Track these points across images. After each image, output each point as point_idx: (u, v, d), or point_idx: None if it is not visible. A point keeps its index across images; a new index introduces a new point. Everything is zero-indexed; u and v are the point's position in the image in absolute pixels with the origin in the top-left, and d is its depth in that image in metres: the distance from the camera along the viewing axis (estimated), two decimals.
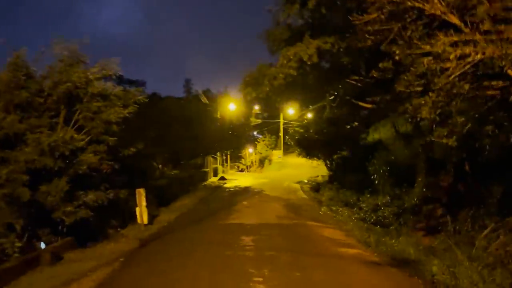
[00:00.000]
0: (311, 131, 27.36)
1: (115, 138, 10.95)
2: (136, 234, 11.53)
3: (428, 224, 12.45)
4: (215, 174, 43.44)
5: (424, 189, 13.96)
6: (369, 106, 14.23)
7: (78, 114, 10.34)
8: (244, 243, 9.48)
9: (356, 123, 24.74)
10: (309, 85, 15.21)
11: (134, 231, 12.10)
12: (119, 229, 13.06)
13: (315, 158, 29.07)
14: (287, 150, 60.38)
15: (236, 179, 38.15)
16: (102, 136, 10.62)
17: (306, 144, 27.56)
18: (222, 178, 37.52)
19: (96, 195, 10.64)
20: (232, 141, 34.90)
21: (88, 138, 10.55)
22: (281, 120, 61.22)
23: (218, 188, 28.73)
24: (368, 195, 17.84)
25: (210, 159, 41.82)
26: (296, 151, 30.47)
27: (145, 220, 12.87)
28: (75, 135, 9.82)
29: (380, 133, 28.86)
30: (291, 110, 61.98)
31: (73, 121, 10.34)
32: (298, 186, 28.90)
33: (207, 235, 11.02)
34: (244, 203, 18.74)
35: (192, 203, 19.41)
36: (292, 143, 30.63)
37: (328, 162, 28.15)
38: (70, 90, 9.88)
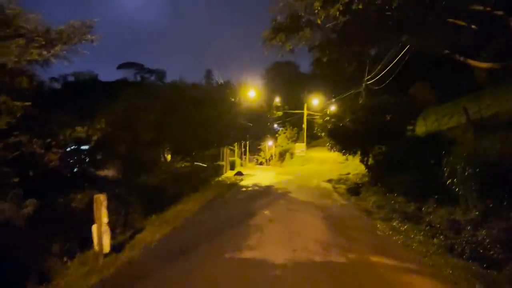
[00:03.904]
0: (347, 120, 22.10)
1: (28, 103, 5.86)
2: (77, 280, 6.50)
3: None
4: (232, 168, 38.81)
5: None
6: (483, 65, 8.78)
7: None
8: None
9: (393, 113, 20.08)
10: (379, 31, 9.51)
11: (82, 270, 7.11)
12: (66, 260, 8.07)
13: (351, 153, 23.93)
14: (308, 143, 56.08)
15: (254, 175, 33.20)
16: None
17: (341, 135, 22.41)
18: (239, 173, 32.58)
19: None
20: (251, 131, 30.04)
21: None
22: (305, 111, 56.31)
23: (233, 186, 23.62)
24: (435, 205, 12.94)
25: (226, 150, 37.11)
26: (328, 144, 25.16)
27: (106, 247, 7.89)
28: None
29: (438, 122, 23.70)
30: (315, 100, 56.97)
31: None
32: (329, 186, 23.66)
33: None
34: (265, 212, 13.56)
35: (195, 209, 14.36)
36: (322, 134, 25.29)
37: (365, 158, 23.10)
38: None
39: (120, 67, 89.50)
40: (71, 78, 57.24)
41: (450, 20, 8.31)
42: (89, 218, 8.74)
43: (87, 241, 8.57)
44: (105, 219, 7.84)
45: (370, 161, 22.65)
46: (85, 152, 14.18)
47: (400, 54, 17.36)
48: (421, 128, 23.58)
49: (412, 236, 10.59)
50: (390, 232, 11.13)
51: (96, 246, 7.83)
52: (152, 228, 10.91)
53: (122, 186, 12.48)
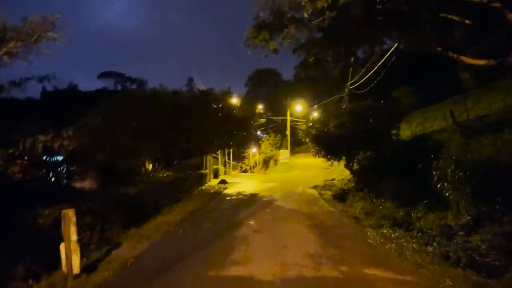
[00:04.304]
0: (332, 125, 21.71)
1: None
2: None
3: None
4: (216, 176, 38.04)
5: None
6: (477, 62, 8.37)
7: None
8: None
9: (377, 117, 19.82)
10: (367, 28, 8.97)
11: None
12: (31, 283, 7.29)
13: (336, 159, 23.46)
14: (292, 150, 55.87)
15: (239, 183, 32.55)
16: None
17: (325, 141, 21.95)
18: (223, 182, 31.88)
19: None
20: (235, 137, 29.37)
21: None
22: (288, 117, 56.03)
23: (216, 196, 22.91)
24: (424, 210, 12.54)
25: (210, 158, 36.31)
26: (312, 150, 24.71)
27: (76, 267, 7.15)
28: None
29: (423, 125, 23.52)
30: (298, 107, 56.73)
31: None
32: (315, 192, 23.16)
33: None
34: (251, 223, 12.94)
35: (176, 221, 13.63)
36: (306, 140, 24.87)
37: (351, 163, 22.67)
38: None
39: (101, 76, 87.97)
40: (49, 88, 55.74)
41: (443, 14, 7.90)
42: (58, 235, 8.00)
43: (56, 261, 7.82)
44: (74, 237, 7.12)
45: (355, 166, 22.23)
46: (58, 163, 13.39)
47: (385, 56, 17.07)
48: (406, 132, 23.34)
49: (405, 244, 10.16)
50: (382, 240, 10.70)
51: (64, 267, 7.08)
52: (130, 243, 10.18)
53: (98, 198, 11.70)
